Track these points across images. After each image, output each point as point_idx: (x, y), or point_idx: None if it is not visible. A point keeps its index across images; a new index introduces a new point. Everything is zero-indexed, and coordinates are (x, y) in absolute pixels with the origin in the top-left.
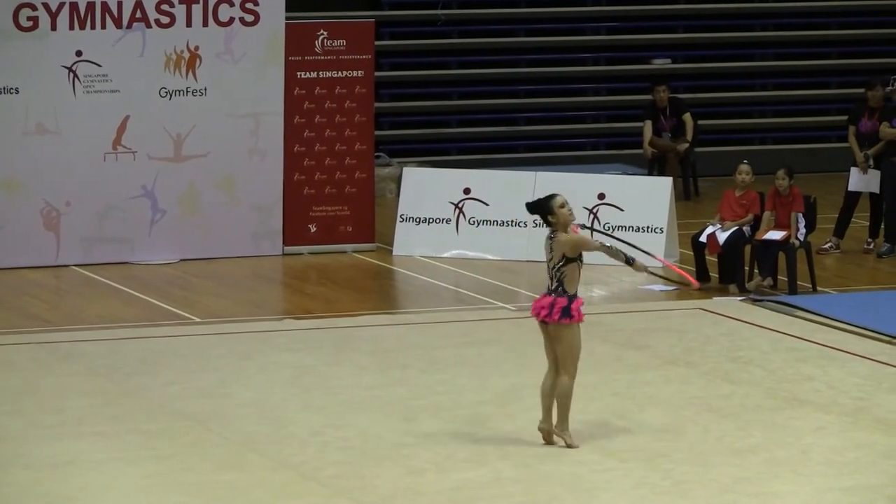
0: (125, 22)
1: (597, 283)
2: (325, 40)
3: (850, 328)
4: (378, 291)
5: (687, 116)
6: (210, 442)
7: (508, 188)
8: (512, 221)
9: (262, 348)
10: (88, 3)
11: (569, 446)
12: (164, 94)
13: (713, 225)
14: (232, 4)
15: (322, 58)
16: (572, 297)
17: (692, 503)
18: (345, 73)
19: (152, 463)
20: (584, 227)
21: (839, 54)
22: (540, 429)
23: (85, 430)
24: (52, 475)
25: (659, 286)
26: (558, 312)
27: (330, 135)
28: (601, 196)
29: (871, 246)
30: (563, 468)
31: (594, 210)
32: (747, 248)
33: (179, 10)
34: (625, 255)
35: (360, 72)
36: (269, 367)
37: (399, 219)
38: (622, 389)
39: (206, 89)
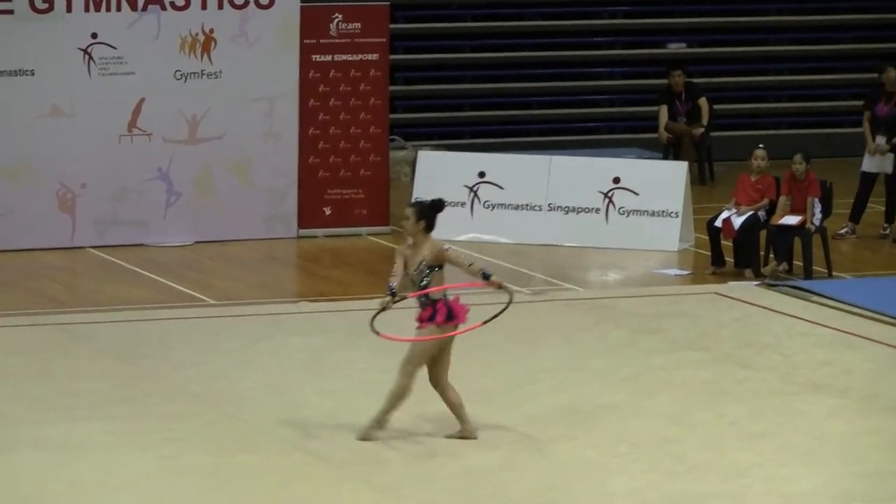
0: (140, 4)
1: (611, 267)
2: (340, 23)
3: (865, 313)
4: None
5: (702, 101)
6: (223, 424)
7: (523, 172)
8: (527, 205)
9: (275, 331)
10: None
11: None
12: (179, 77)
13: (728, 209)
14: None
15: (337, 41)
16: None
17: (705, 488)
18: (359, 56)
19: (165, 445)
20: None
21: (854, 39)
22: (463, 436)
23: (98, 412)
24: (64, 457)
25: (673, 270)
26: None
27: (344, 118)
28: (616, 180)
29: (887, 231)
30: (576, 452)
31: (609, 194)
32: (763, 233)
33: None
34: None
35: (374, 55)
36: (282, 350)
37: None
38: (635, 374)
39: (220, 72)
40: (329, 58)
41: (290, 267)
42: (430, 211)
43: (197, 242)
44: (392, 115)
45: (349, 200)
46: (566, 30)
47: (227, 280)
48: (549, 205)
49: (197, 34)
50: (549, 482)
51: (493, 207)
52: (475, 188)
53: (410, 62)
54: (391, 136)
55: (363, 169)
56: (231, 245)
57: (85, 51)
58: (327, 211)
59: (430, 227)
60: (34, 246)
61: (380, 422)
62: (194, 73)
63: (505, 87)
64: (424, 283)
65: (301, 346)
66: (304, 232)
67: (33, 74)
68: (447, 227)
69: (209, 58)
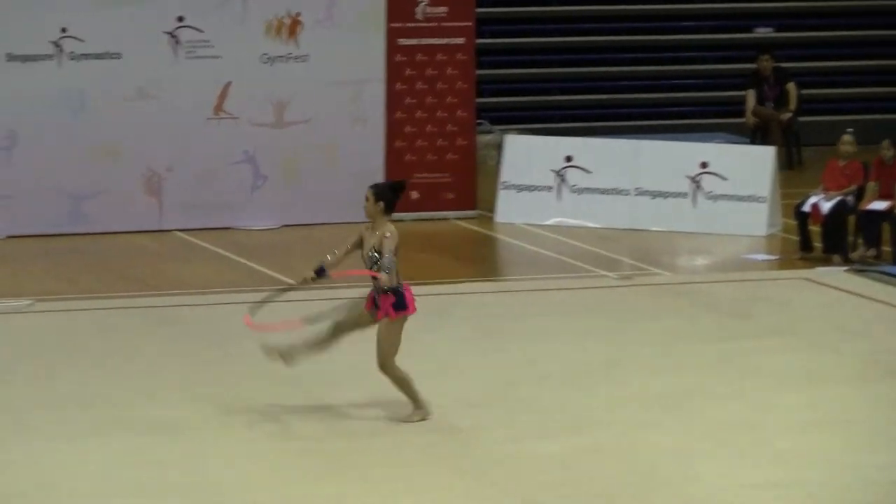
0: None
1: (699, 252)
2: (426, 7)
3: None
4: (479, 259)
5: (790, 85)
6: (310, 406)
7: (610, 156)
8: (614, 189)
9: None
10: None
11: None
12: (265, 61)
13: (816, 195)
14: None
15: (423, 25)
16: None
17: (793, 474)
18: (445, 40)
19: (248, 428)
20: None
21: None
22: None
23: (186, 394)
24: (152, 440)
25: (762, 255)
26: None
27: (431, 102)
28: (704, 165)
29: None
30: (663, 437)
31: (697, 178)
32: (851, 219)
33: None
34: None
35: (461, 39)
36: (369, 332)
37: (501, 186)
38: (724, 359)
39: (307, 56)
40: (415, 42)
41: None
42: (389, 193)
43: (283, 226)
44: (479, 100)
45: (436, 184)
46: (654, 14)
47: (313, 264)
48: (636, 189)
49: (284, 18)
50: (636, 467)
51: (581, 192)
52: (562, 172)
53: (497, 46)
54: (478, 121)
55: (450, 153)
56: (317, 229)
57: (171, 34)
58: (414, 195)
59: (389, 208)
60: (122, 229)
61: (418, 405)
62: (281, 57)
63: (592, 71)
64: (376, 268)
65: None
66: (391, 216)
67: (120, 57)
68: (534, 212)
69: (296, 41)
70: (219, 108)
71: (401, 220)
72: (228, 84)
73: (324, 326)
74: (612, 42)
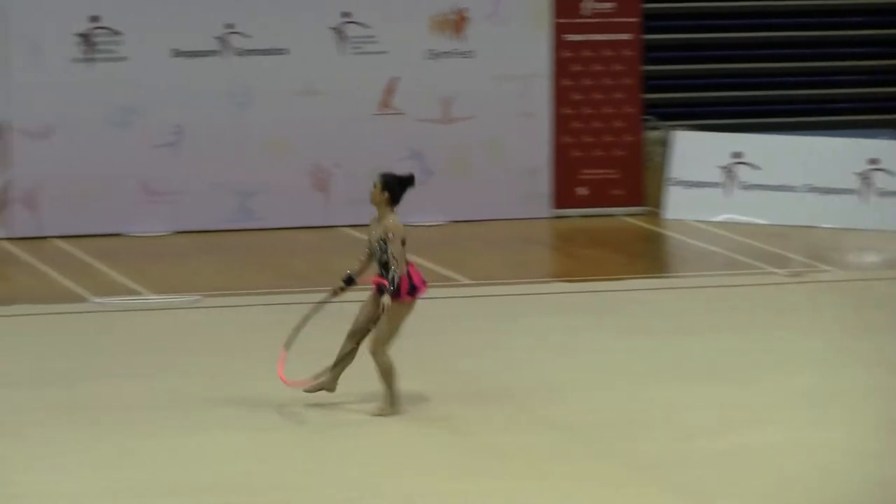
0: None
1: (870, 248)
2: (592, 3)
3: None
4: (647, 255)
5: None
6: (479, 401)
7: (780, 152)
8: (784, 186)
9: (529, 311)
10: None
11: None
12: (431, 56)
13: None
14: None
15: (589, 20)
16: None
17: None
18: (612, 36)
19: (426, 425)
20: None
21: None
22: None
23: (353, 389)
24: (333, 433)
25: None
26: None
27: (597, 97)
28: (874, 161)
29: None
30: (834, 434)
31: (864, 174)
32: None
33: None
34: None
35: (627, 35)
36: (536, 329)
37: (669, 182)
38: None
39: (473, 51)
40: (581, 37)
41: (544, 247)
42: (396, 184)
43: (451, 222)
44: (645, 96)
45: (603, 180)
46: (822, 8)
47: (481, 259)
48: (805, 185)
49: (450, 13)
50: (812, 464)
51: (750, 188)
52: (731, 168)
53: (664, 42)
54: (645, 116)
55: (617, 149)
56: (485, 224)
57: (337, 29)
58: (581, 191)
59: (394, 199)
60: (288, 224)
61: (393, 401)
62: (447, 53)
63: (759, 66)
64: (384, 258)
65: (555, 326)
66: (557, 212)
67: (287, 53)
68: (702, 208)
69: (462, 37)
70: (385, 103)
71: (568, 217)
72: (394, 80)
73: (344, 343)
74: (780, 37)
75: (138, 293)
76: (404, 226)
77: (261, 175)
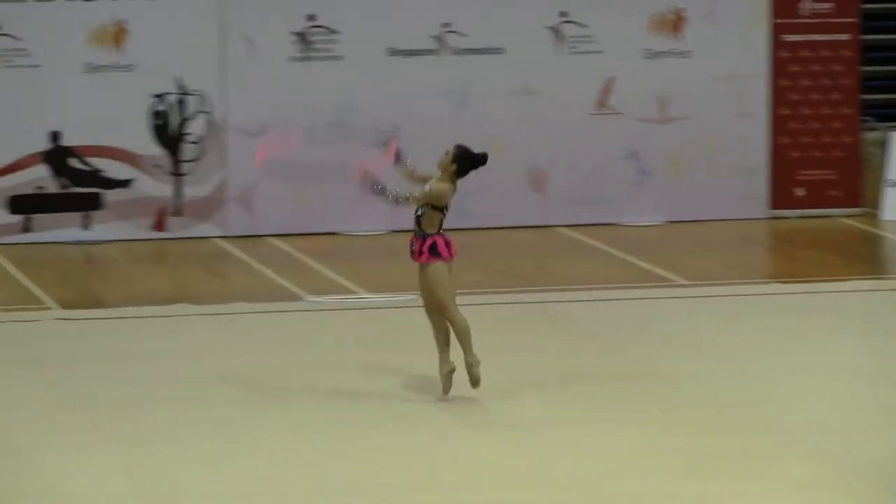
0: None
1: None
2: (811, 3)
3: None
4: (866, 256)
5: None
6: (691, 404)
7: None
8: None
9: (748, 312)
10: None
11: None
12: (648, 56)
13: None
14: None
15: (807, 21)
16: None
17: None
18: (830, 36)
19: (635, 426)
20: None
21: None
22: (444, 374)
23: (568, 392)
24: (531, 435)
25: None
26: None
27: (815, 98)
28: None
29: None
30: None
31: None
32: None
33: None
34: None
35: (845, 35)
36: (755, 330)
37: (887, 184)
38: None
39: (691, 51)
40: (799, 38)
41: (762, 247)
42: (468, 162)
43: (667, 222)
44: (864, 96)
45: (821, 181)
46: None
47: (698, 260)
48: None
49: (667, 13)
50: None
51: None
52: None
53: (882, 42)
54: (863, 117)
55: (835, 150)
56: (701, 225)
57: (554, 29)
58: (799, 192)
59: (460, 173)
60: (504, 224)
61: (471, 364)
62: (664, 52)
63: None
64: (419, 212)
65: (774, 328)
66: (774, 212)
67: (503, 53)
68: None
69: (679, 37)
70: (602, 103)
71: (785, 218)
72: (611, 79)
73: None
74: None
75: (353, 292)
76: (452, 192)
77: (477, 175)
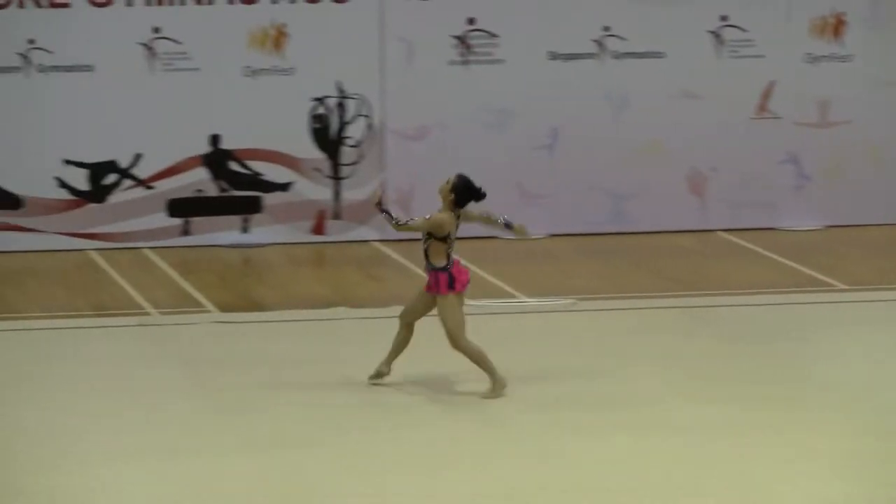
0: None
1: None
2: None
3: None
4: None
5: None
6: (848, 409)
7: None
8: None
9: None
10: None
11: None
12: (809, 60)
13: None
14: None
15: None
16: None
17: None
18: None
19: (791, 429)
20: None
21: None
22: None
23: (727, 393)
24: (693, 439)
25: None
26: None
27: None
28: None
29: None
30: None
31: None
32: None
33: None
34: (503, 219)
35: None
36: None
37: None
38: None
39: (852, 56)
40: None
41: None
42: (464, 192)
43: (827, 227)
44: None
45: None
46: None
47: (860, 265)
48: None
49: (827, 17)
50: None
51: None
52: None
53: None
54: None
55: None
56: (863, 229)
57: (715, 33)
58: None
59: (458, 203)
60: (662, 228)
61: (495, 383)
62: (825, 56)
63: None
64: (425, 247)
65: None
66: None
67: (663, 56)
68: None
69: (840, 41)
70: (762, 107)
71: None
72: (772, 84)
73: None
74: None
75: (512, 296)
76: (452, 222)
77: (636, 178)
